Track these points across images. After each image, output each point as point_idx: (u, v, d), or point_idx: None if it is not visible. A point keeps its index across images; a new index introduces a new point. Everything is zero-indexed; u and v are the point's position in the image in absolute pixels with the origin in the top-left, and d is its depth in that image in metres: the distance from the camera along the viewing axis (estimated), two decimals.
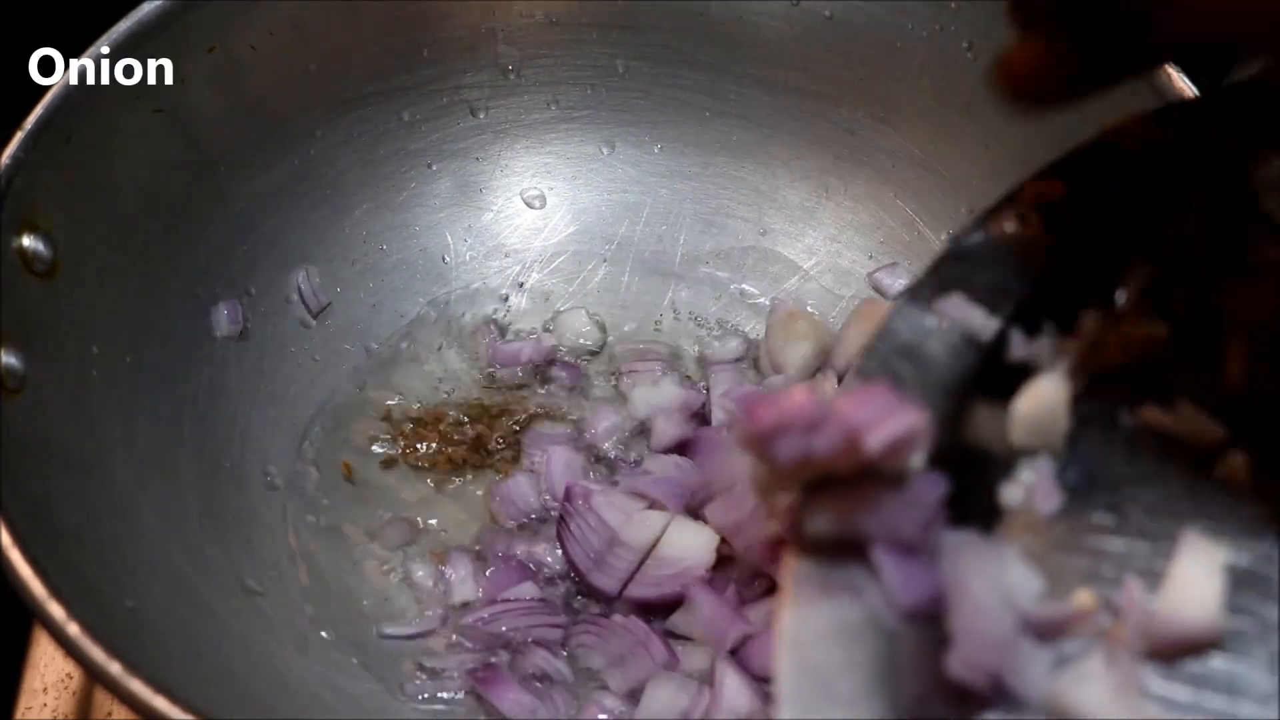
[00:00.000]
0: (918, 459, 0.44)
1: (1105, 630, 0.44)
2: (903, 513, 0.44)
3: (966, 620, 0.42)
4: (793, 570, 0.44)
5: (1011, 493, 0.48)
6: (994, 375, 0.49)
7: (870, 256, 0.91)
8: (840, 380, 0.84)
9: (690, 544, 0.77)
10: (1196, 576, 0.44)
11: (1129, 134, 0.53)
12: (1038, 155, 0.81)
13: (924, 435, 0.44)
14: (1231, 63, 0.76)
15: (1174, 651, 0.44)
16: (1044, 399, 0.49)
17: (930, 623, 0.43)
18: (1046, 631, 0.44)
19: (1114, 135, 0.53)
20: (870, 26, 0.86)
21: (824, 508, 0.44)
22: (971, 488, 0.46)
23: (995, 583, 0.44)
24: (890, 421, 0.43)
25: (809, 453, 0.42)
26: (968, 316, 0.49)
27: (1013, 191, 0.53)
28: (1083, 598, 0.45)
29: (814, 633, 0.42)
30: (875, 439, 0.43)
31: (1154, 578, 0.45)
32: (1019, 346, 0.50)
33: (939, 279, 0.50)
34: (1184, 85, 0.72)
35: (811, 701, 0.41)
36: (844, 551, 0.44)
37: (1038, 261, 0.51)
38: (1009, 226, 0.51)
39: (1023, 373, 0.50)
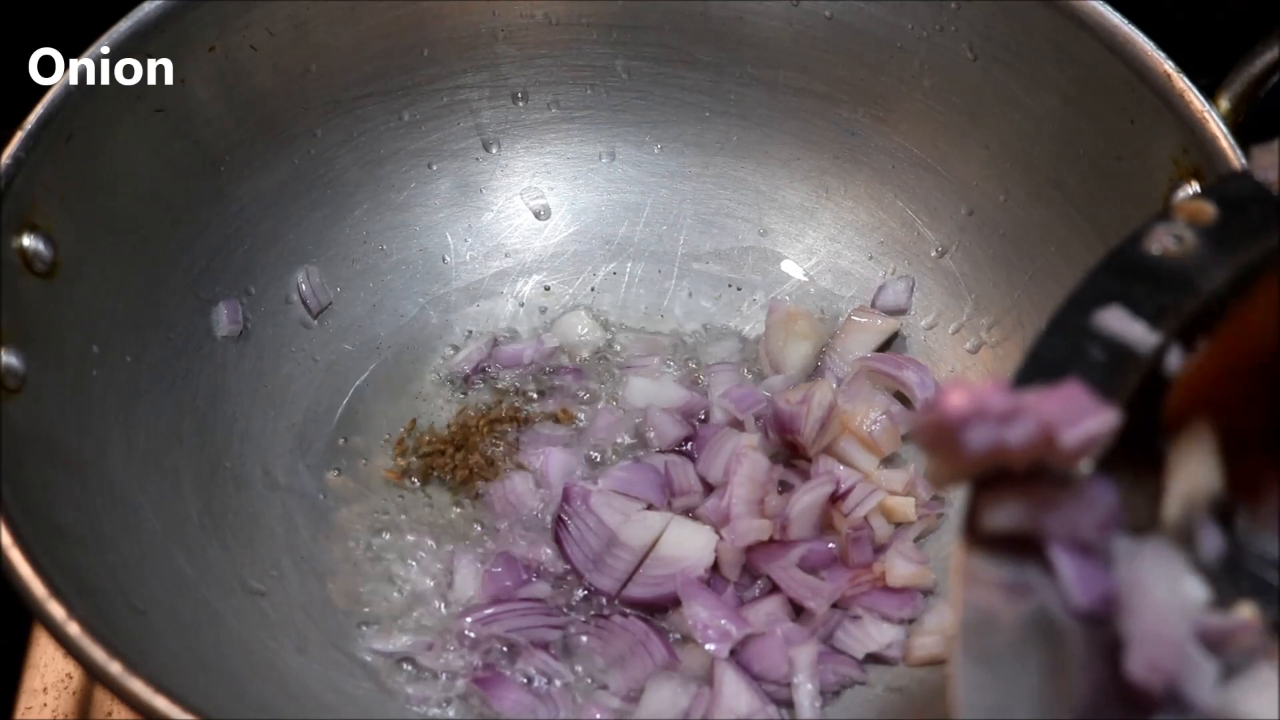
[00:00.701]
0: (1085, 463, 0.45)
1: (1268, 647, 0.45)
2: (1082, 513, 0.44)
3: (1146, 623, 0.43)
4: (965, 565, 0.44)
5: (1170, 506, 0.49)
6: (1147, 389, 0.49)
7: (870, 257, 0.91)
8: (839, 383, 0.84)
9: (689, 544, 0.77)
10: None
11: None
12: (1037, 156, 0.82)
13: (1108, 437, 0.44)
14: (1231, 63, 0.76)
15: None
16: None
17: (1098, 625, 0.43)
18: (1214, 641, 0.44)
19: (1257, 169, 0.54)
20: (870, 26, 0.85)
21: (1004, 503, 0.44)
22: (1126, 497, 0.47)
23: (1171, 587, 0.44)
24: (1088, 419, 0.43)
25: (1000, 443, 0.43)
26: (1128, 330, 0.49)
27: (1164, 210, 0.53)
28: (1245, 611, 0.45)
29: (990, 631, 0.43)
30: (1072, 435, 0.43)
31: None
32: (1179, 362, 0.50)
33: (1098, 291, 0.51)
34: (1184, 86, 0.72)
35: (990, 700, 0.41)
36: (1015, 548, 0.44)
37: (1194, 279, 0.51)
38: (1166, 243, 0.52)
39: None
